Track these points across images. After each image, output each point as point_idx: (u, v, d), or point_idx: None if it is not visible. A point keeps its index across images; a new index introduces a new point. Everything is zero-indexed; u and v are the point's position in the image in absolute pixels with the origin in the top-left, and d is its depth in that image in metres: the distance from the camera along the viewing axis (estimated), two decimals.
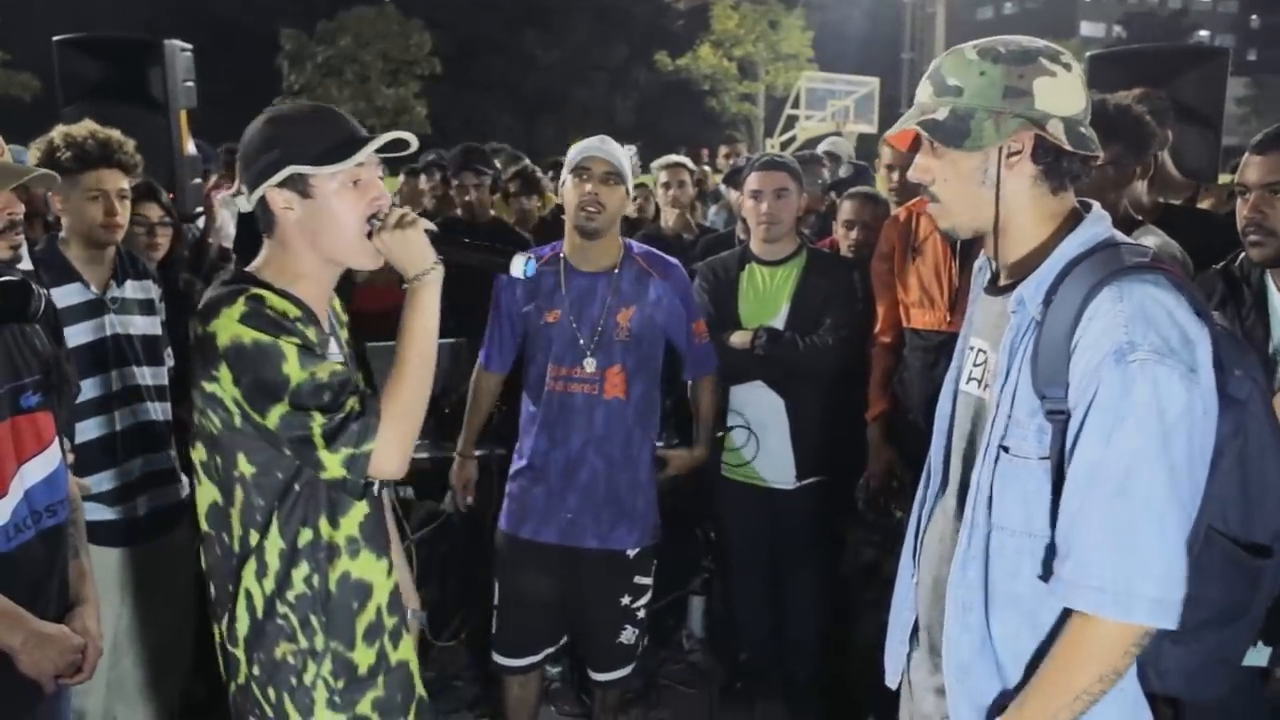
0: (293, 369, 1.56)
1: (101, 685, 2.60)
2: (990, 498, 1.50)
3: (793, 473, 3.33)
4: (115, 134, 2.68)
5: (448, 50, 36.14)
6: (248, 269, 1.73)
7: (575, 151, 2.79)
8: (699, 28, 34.84)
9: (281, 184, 1.65)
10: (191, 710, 3.06)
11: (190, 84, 4.75)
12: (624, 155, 2.80)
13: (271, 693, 1.69)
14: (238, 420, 1.60)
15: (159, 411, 2.75)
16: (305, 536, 1.66)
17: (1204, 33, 50.35)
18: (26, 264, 2.48)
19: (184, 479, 2.80)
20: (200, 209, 4.58)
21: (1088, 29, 53.43)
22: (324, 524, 1.67)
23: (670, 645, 3.95)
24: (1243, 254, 2.23)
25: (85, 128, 2.65)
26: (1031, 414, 1.45)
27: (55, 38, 4.70)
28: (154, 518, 2.72)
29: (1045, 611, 1.48)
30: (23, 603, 1.81)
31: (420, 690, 1.85)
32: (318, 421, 1.55)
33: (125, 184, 2.68)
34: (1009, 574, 1.49)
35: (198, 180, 4.56)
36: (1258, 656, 2.02)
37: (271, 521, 1.65)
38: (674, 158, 5.04)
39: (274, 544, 1.65)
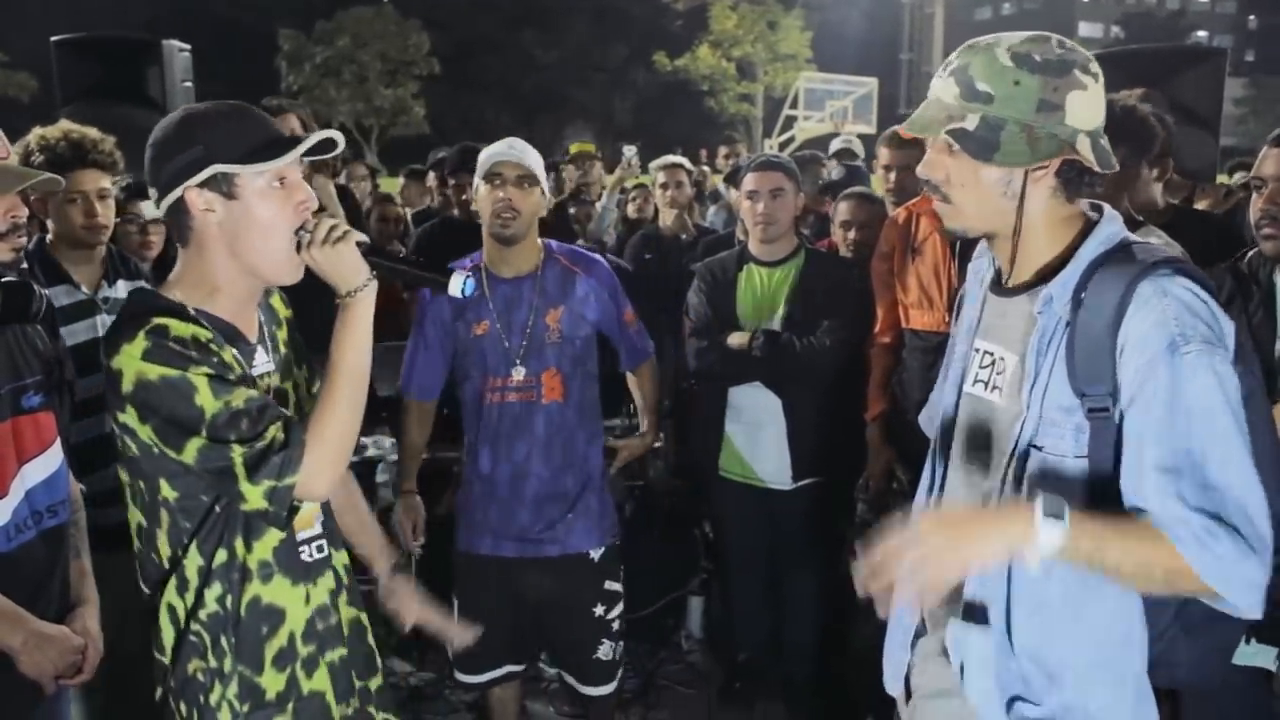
0: (206, 400, 1.48)
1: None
2: (1021, 499, 1.48)
3: (789, 473, 3.32)
4: (91, 133, 2.63)
5: (446, 50, 36.23)
6: (159, 288, 1.65)
7: (485, 157, 2.75)
8: (697, 28, 34.93)
9: (203, 184, 1.55)
10: None
11: (188, 84, 4.75)
12: (535, 156, 2.77)
13: (183, 706, 1.67)
14: (155, 450, 1.54)
15: None
16: (220, 557, 1.63)
17: (1202, 33, 50.49)
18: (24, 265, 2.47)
19: None
20: None
21: (1086, 29, 53.47)
22: (239, 545, 1.64)
23: (669, 646, 3.95)
24: (1250, 252, 2.23)
25: (59, 129, 2.60)
26: (1068, 413, 1.44)
27: (53, 38, 4.70)
28: None
29: (1071, 617, 1.48)
30: (23, 603, 1.81)
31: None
32: (238, 452, 1.48)
33: (106, 183, 2.63)
34: (1040, 575, 1.47)
35: None
36: (1264, 658, 2.01)
37: (193, 539, 1.62)
38: (672, 158, 5.03)
39: (193, 561, 1.63)
